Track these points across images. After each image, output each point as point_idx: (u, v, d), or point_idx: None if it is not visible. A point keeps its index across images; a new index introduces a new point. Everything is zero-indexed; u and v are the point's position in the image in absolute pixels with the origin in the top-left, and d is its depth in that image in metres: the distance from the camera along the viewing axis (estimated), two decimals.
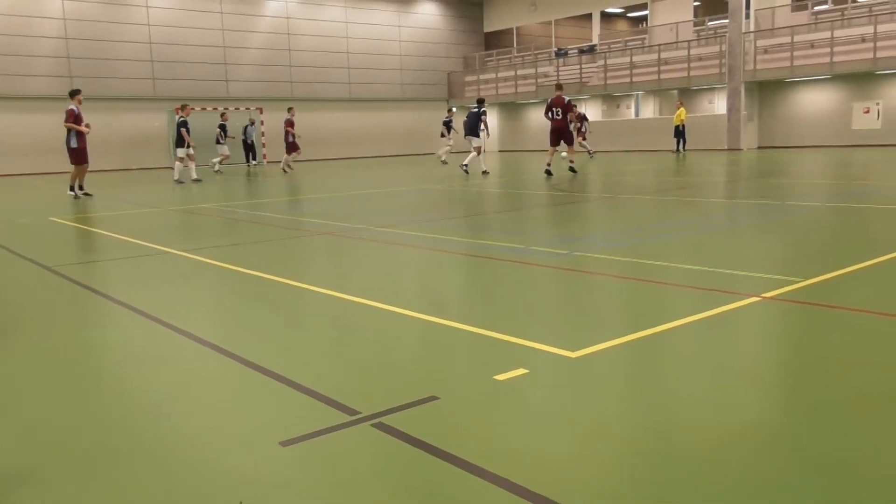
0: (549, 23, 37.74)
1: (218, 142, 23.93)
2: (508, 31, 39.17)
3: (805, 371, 3.24)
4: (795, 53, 25.56)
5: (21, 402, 3.15)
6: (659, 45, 29.95)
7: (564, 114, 16.61)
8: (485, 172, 17.86)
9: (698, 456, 2.40)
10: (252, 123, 27.58)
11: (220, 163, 24.08)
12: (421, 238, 7.56)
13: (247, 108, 29.29)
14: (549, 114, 16.78)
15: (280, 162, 24.01)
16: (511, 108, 36.82)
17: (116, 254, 7.37)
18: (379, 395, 2.99)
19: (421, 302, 4.83)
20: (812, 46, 25.48)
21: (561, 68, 33.93)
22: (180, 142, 18.19)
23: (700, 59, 28.41)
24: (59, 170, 25.55)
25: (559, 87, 17.59)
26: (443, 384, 3.12)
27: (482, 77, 37.18)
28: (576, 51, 34.65)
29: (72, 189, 14.56)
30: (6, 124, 26.52)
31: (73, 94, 14.47)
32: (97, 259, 7.31)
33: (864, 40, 24.38)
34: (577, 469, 2.33)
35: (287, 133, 22.36)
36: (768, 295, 4.41)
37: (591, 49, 33.99)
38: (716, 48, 28.14)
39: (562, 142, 16.81)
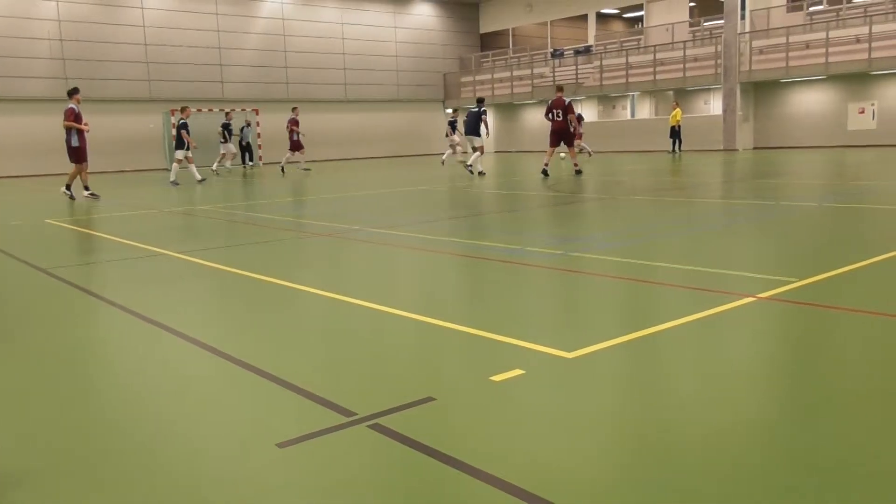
0: (545, 24, 37.80)
1: (222, 141, 24.09)
2: (504, 32, 39.22)
3: (800, 371, 3.25)
4: (791, 54, 25.64)
5: (15, 405, 3.14)
6: (655, 45, 30.02)
7: (565, 115, 16.64)
8: (481, 173, 17.88)
9: (694, 456, 2.40)
10: (248, 125, 27.63)
11: (220, 162, 24.21)
12: (417, 239, 7.56)
13: (242, 110, 29.27)
14: (550, 115, 16.80)
15: (279, 162, 24.07)
16: (507, 108, 36.86)
17: (112, 256, 7.35)
18: (375, 397, 2.99)
19: (417, 303, 4.83)
20: (807, 47, 25.55)
21: (557, 69, 33.98)
22: (180, 143, 18.07)
23: (696, 59, 28.48)
24: (53, 172, 25.54)
25: (560, 88, 17.60)
26: (439, 385, 3.13)
27: (478, 78, 37.22)
28: (572, 52, 34.70)
29: (68, 188, 14.50)
30: (0, 127, 26.47)
31: (72, 93, 14.45)
32: (92, 261, 7.29)
33: (859, 41, 24.47)
34: (573, 469, 2.33)
35: (292, 132, 22.55)
36: (764, 295, 4.43)
37: (587, 50, 34.04)
38: (711, 49, 28.21)
39: (561, 143, 16.85)
